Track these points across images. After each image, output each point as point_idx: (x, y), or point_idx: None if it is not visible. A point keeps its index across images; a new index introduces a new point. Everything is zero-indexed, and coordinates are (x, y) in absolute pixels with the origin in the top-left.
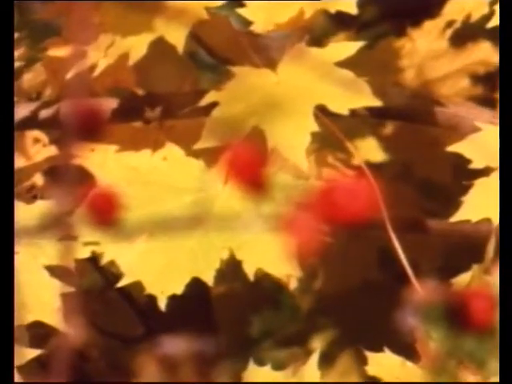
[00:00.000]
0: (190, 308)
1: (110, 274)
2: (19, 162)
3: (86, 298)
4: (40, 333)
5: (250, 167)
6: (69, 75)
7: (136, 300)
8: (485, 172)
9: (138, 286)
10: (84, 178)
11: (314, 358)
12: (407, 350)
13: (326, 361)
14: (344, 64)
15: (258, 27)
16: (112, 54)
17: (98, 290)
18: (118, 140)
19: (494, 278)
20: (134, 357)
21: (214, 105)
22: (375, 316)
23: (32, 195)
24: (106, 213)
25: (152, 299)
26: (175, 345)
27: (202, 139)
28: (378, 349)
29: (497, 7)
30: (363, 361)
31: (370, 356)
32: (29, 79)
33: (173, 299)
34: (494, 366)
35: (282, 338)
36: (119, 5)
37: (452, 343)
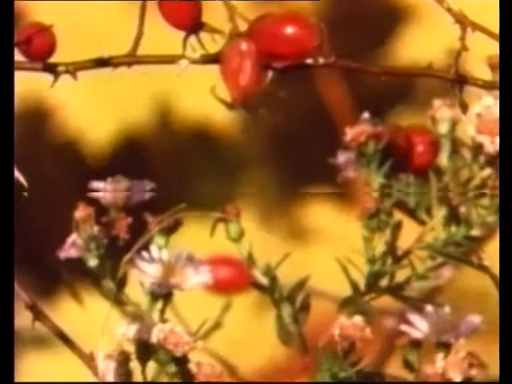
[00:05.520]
0: (121, 154)
1: None
2: None
3: None
4: None
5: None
6: None
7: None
8: None
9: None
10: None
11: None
12: (343, 196)
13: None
14: None
15: None
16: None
17: None
18: None
19: None
20: None
21: None
22: (313, 158)
23: None
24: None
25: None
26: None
27: None
28: (314, 193)
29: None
30: (303, 211)
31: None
32: None
33: (104, 145)
34: (430, 209)
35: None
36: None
37: (389, 184)
